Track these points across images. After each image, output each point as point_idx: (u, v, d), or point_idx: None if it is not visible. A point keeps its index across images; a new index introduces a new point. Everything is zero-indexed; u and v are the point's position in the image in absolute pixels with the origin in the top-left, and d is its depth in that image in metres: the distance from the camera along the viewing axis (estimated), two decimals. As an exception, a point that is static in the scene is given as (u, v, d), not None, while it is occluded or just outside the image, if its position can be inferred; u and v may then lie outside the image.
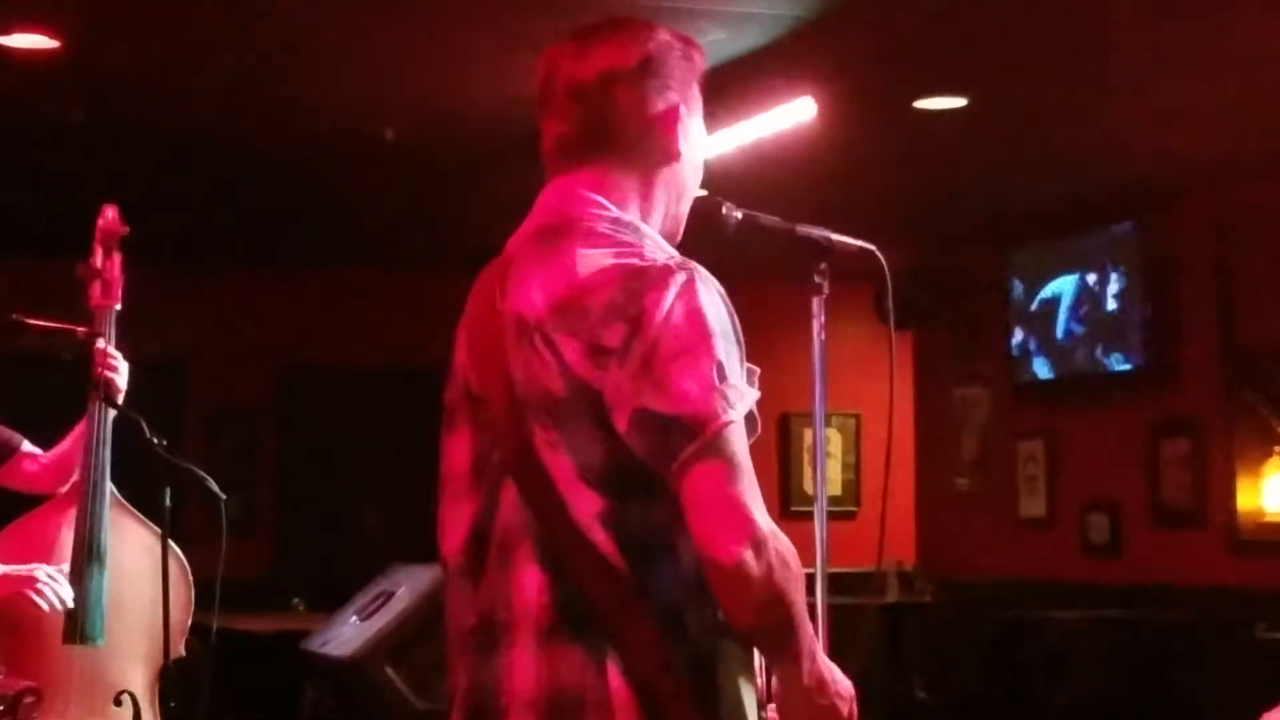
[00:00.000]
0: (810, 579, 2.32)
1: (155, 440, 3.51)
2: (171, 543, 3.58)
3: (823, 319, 2.39)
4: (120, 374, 3.71)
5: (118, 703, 3.66)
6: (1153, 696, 6.94)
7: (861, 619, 8.08)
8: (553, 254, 1.99)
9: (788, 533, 1.91)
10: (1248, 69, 5.59)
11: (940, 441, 9.10)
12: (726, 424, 1.87)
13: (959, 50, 5.53)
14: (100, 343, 3.71)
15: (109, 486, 3.70)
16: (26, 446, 3.87)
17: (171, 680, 3.68)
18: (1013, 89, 5.95)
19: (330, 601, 5.90)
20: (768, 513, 1.89)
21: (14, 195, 7.40)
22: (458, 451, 2.05)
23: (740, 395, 1.90)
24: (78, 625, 3.59)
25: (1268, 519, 6.94)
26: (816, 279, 2.38)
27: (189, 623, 3.76)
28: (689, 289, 1.92)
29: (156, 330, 4.88)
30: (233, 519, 3.50)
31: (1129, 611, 7.35)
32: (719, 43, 5.12)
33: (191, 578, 3.75)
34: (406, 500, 8.44)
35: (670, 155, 2.10)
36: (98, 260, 3.81)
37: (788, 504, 9.60)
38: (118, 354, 3.73)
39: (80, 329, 3.77)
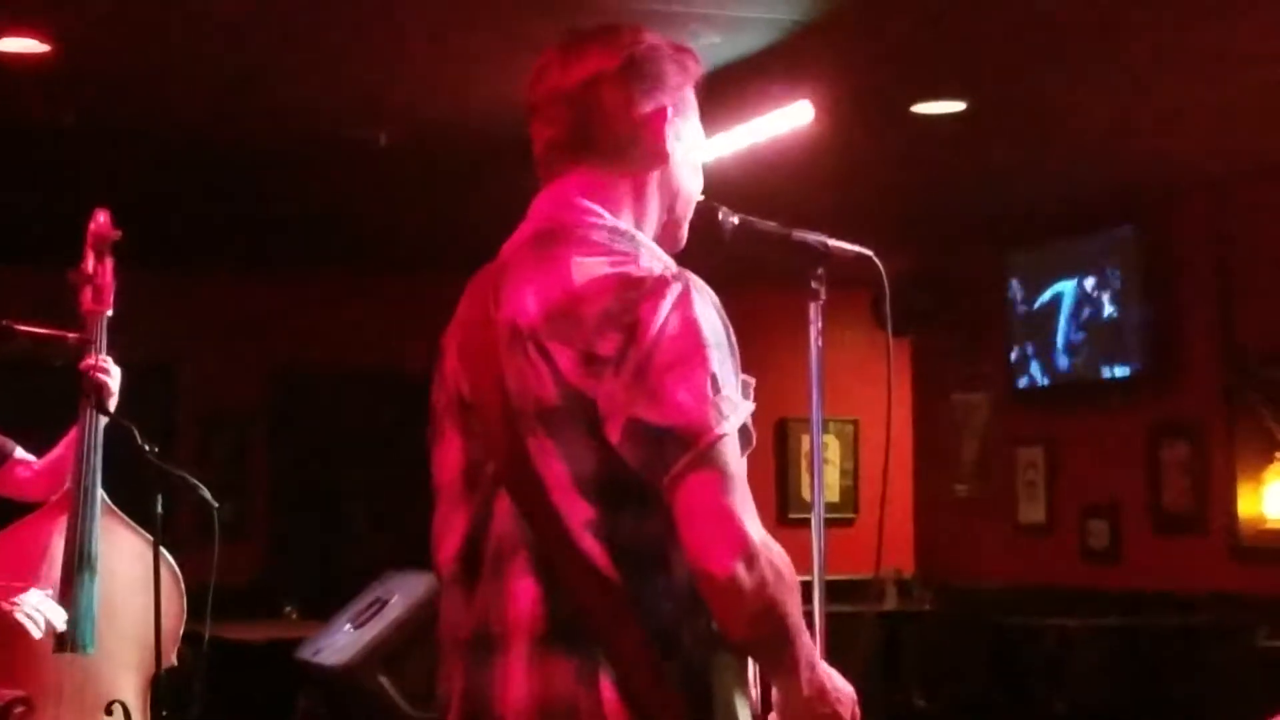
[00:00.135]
0: (808, 587, 2.32)
1: (147, 447, 3.49)
2: (163, 550, 3.56)
3: (820, 324, 2.39)
4: (112, 380, 3.69)
5: (109, 712, 3.65)
6: (1153, 704, 6.92)
7: (859, 627, 8.05)
8: (548, 261, 1.99)
9: (785, 540, 1.90)
10: (1247, 71, 5.58)
11: (939, 447, 9.08)
12: (720, 436, 1.86)
13: (957, 54, 5.51)
14: (92, 349, 3.69)
15: (100, 493, 3.68)
16: (19, 454, 3.86)
17: (163, 689, 3.68)
18: (1011, 93, 5.94)
19: (323, 607, 5.88)
20: (764, 521, 1.88)
21: (4, 199, 7.38)
22: (448, 459, 2.05)
23: (734, 407, 1.89)
24: (69, 634, 3.56)
25: (1269, 525, 6.92)
26: (814, 284, 2.38)
27: (181, 631, 3.75)
28: (684, 299, 1.91)
29: (148, 334, 4.87)
30: (225, 524, 3.48)
31: (1129, 618, 7.33)
32: (715, 47, 5.11)
33: (184, 585, 3.73)
34: (400, 505, 8.43)
35: (660, 156, 2.09)
36: (89, 265, 3.80)
37: (785, 511, 9.59)
38: (109, 360, 3.71)
39: (71, 335, 3.75)
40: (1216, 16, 5.06)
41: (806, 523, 2.42)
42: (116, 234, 3.83)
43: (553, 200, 2.08)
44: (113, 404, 3.69)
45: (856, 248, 2.41)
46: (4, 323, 3.79)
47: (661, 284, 1.91)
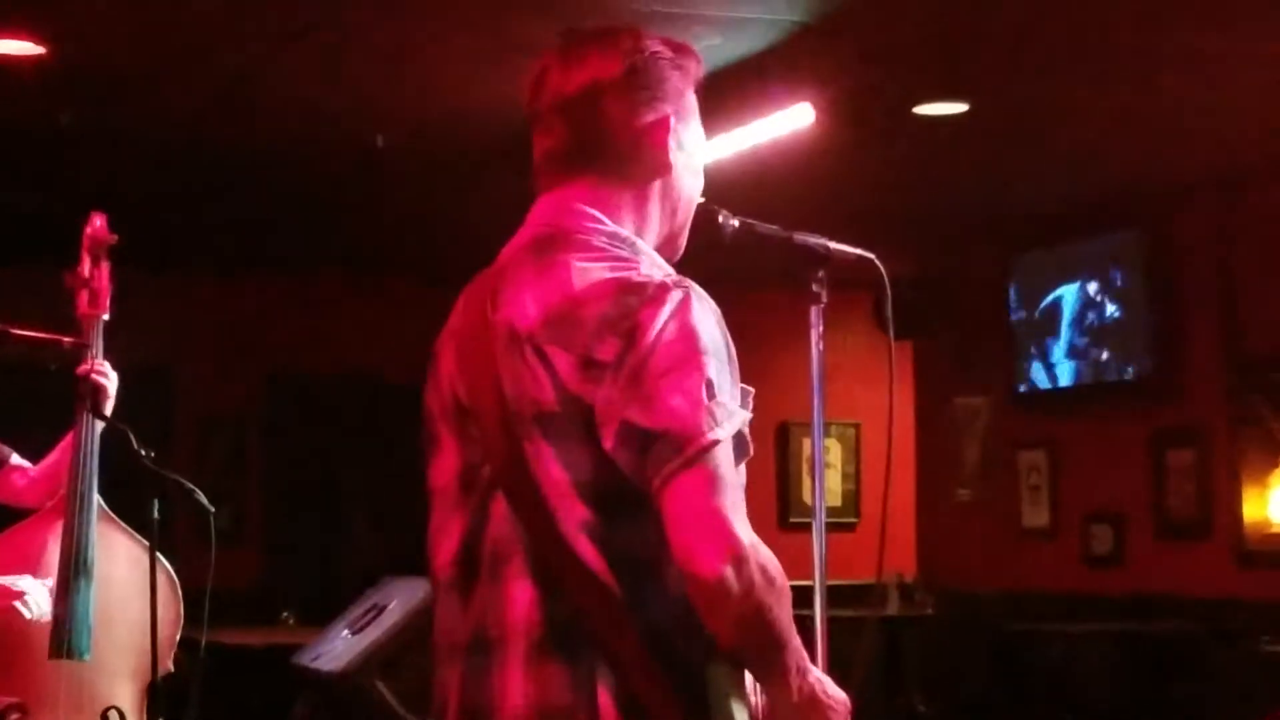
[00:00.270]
0: (809, 591, 2.30)
1: (143, 452, 3.47)
2: (160, 555, 3.55)
3: (821, 327, 2.39)
4: (108, 384, 3.67)
5: (105, 718, 3.61)
6: (1156, 710, 6.91)
7: (861, 632, 8.04)
8: (547, 265, 1.97)
9: (786, 544, 1.91)
10: (1252, 73, 5.57)
11: (941, 451, 9.06)
12: (713, 442, 1.84)
13: (959, 55, 5.50)
14: (87, 353, 3.67)
15: (97, 499, 3.67)
16: (15, 460, 3.86)
17: (160, 695, 3.65)
18: (1014, 94, 5.92)
19: (321, 612, 5.86)
20: (765, 526, 1.87)
21: (-1, 201, 7.39)
22: (444, 463, 2.04)
23: (729, 414, 1.87)
24: (64, 640, 3.57)
25: (1273, 530, 6.89)
26: (815, 287, 2.37)
27: (178, 637, 3.74)
28: (684, 307, 1.89)
29: (144, 337, 4.85)
30: (221, 529, 3.47)
31: (1132, 624, 7.32)
32: (714, 48, 5.10)
33: (180, 591, 3.71)
34: (398, 510, 8.40)
35: (662, 167, 2.07)
36: (85, 269, 3.80)
37: (786, 515, 9.58)
38: (105, 364, 3.69)
39: (66, 339, 3.74)
40: (1221, 18, 5.05)
41: (808, 527, 2.40)
42: (113, 238, 3.83)
43: (553, 206, 2.05)
44: (109, 409, 3.67)
45: (858, 250, 2.40)
46: (-2, 326, 3.78)
47: (662, 290, 1.90)
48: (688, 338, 1.87)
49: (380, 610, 4.96)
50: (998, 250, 8.42)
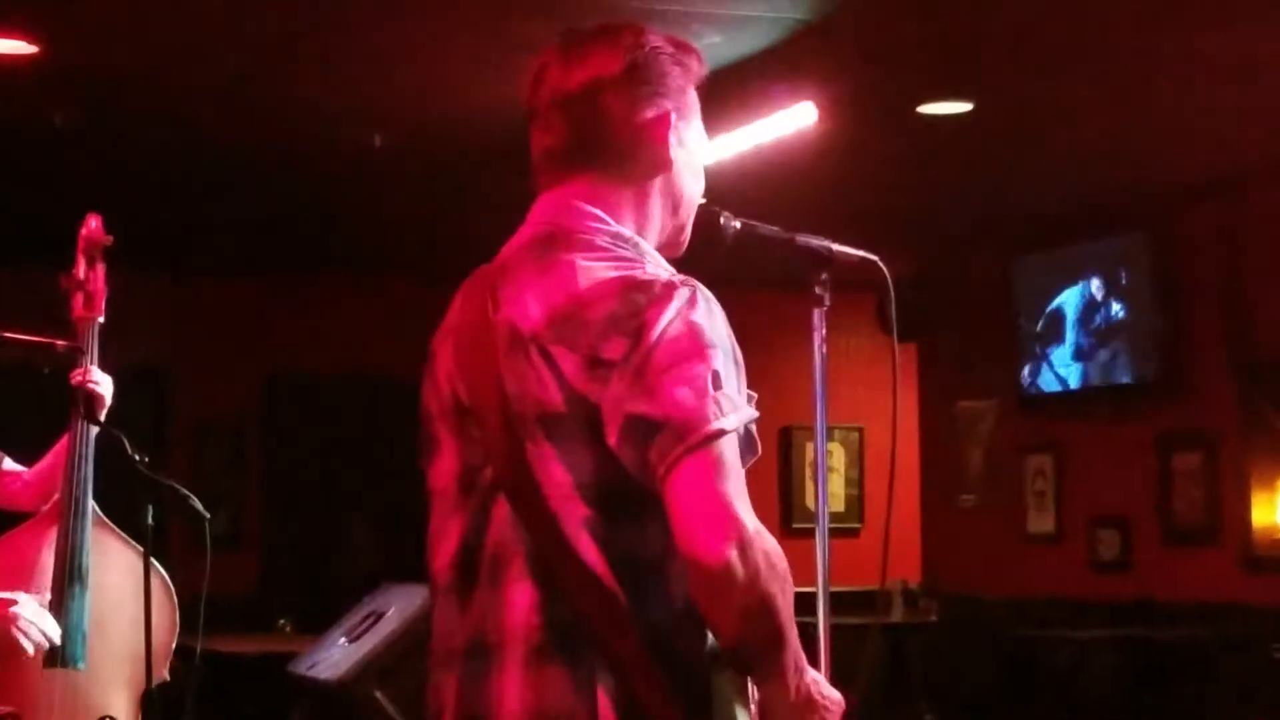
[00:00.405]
0: (812, 598, 2.28)
1: (137, 457, 3.44)
2: (155, 563, 3.52)
3: (824, 330, 2.39)
4: (103, 389, 3.63)
5: (100, 727, 3.58)
6: (1164, 716, 6.88)
7: (865, 639, 8.00)
8: (550, 264, 1.96)
9: (788, 550, 1.86)
10: (1258, 75, 5.57)
11: (946, 455, 9.03)
12: (718, 431, 1.82)
13: (963, 54, 5.48)
14: (81, 356, 3.64)
15: (91, 505, 3.63)
16: (8, 464, 3.83)
17: (155, 704, 3.63)
18: (1019, 94, 5.91)
19: (318, 620, 5.83)
20: (764, 527, 1.84)
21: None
22: (443, 464, 2.03)
23: (735, 406, 1.86)
24: (59, 649, 3.51)
25: (1282, 535, 6.87)
26: (817, 289, 2.37)
27: (173, 645, 3.71)
28: (691, 305, 1.89)
29: (140, 340, 4.83)
30: (218, 534, 3.44)
31: (1139, 629, 7.29)
32: (716, 47, 5.10)
33: (176, 598, 3.68)
34: (396, 515, 8.38)
35: (663, 164, 2.06)
36: (80, 271, 3.76)
37: (789, 520, 9.55)
38: (99, 372, 3.65)
39: (60, 342, 3.70)
40: (1226, 20, 5.05)
41: (811, 532, 2.40)
42: (108, 239, 3.80)
43: (554, 204, 2.04)
44: (104, 413, 3.63)
45: (861, 252, 2.39)
46: (-8, 330, 3.75)
47: (669, 289, 1.89)
48: (693, 333, 1.87)
49: (378, 617, 4.93)
50: (1003, 251, 8.41)
